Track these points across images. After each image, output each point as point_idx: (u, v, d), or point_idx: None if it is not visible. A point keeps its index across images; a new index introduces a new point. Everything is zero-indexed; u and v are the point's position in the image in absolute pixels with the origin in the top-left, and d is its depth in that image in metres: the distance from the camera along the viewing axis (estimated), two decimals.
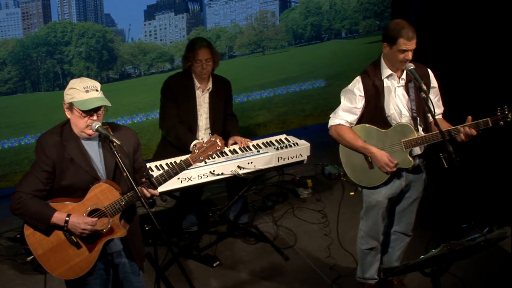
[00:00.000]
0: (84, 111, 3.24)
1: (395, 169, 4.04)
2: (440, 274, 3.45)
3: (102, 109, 3.31)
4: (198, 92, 4.95)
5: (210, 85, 4.97)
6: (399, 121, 4.05)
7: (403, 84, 4.06)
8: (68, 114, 3.33)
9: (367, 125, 4.10)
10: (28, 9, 5.51)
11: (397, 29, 3.89)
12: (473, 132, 3.90)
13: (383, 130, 4.07)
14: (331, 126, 4.15)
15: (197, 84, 4.93)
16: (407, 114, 4.06)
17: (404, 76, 4.05)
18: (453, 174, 3.71)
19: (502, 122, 3.92)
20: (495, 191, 5.43)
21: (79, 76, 5.69)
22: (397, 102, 4.05)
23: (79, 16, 5.72)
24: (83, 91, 3.24)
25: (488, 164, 5.65)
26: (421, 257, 3.27)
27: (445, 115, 4.20)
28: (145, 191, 3.35)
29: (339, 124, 4.11)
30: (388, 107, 4.04)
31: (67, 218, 3.29)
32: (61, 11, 5.64)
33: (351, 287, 4.63)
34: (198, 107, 4.97)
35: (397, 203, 4.33)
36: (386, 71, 4.03)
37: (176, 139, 4.89)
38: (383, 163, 4.03)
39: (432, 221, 5.19)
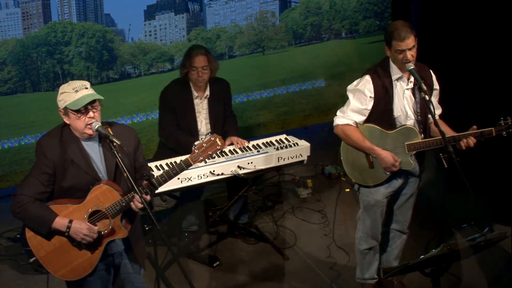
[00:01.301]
0: (78, 110, 3.22)
1: (398, 167, 4.05)
2: (440, 274, 3.46)
3: (97, 104, 3.28)
4: (196, 101, 4.95)
5: (207, 92, 4.97)
6: (404, 124, 4.05)
7: (412, 86, 4.06)
8: (66, 119, 3.32)
9: (371, 125, 4.09)
10: (28, 9, 5.50)
11: (391, 31, 3.93)
12: (472, 142, 3.93)
13: (387, 132, 4.07)
14: (338, 125, 4.10)
15: (194, 93, 4.94)
16: (413, 117, 4.06)
17: (412, 78, 4.04)
18: (454, 174, 3.72)
19: (505, 133, 3.98)
20: (495, 191, 5.43)
21: (79, 76, 5.76)
22: (405, 104, 4.05)
23: (79, 16, 5.72)
24: (72, 92, 3.23)
25: (488, 163, 5.64)
26: (421, 257, 3.28)
27: (447, 117, 4.20)
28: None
29: (347, 124, 4.08)
30: (395, 109, 4.04)
31: (69, 224, 3.28)
32: (61, 11, 5.64)
33: (351, 287, 4.64)
34: (197, 114, 4.97)
35: (393, 200, 4.33)
36: (395, 72, 4.03)
37: (176, 144, 4.89)
38: (390, 164, 4.02)
39: (432, 221, 5.19)
